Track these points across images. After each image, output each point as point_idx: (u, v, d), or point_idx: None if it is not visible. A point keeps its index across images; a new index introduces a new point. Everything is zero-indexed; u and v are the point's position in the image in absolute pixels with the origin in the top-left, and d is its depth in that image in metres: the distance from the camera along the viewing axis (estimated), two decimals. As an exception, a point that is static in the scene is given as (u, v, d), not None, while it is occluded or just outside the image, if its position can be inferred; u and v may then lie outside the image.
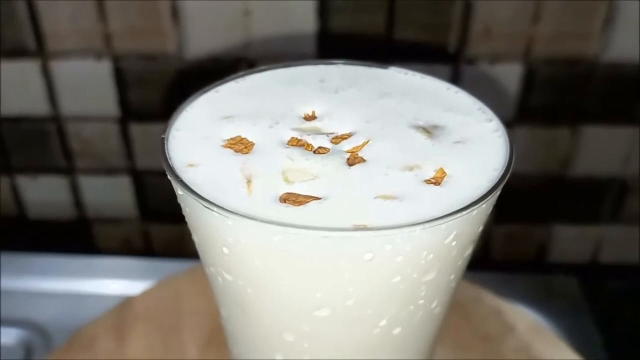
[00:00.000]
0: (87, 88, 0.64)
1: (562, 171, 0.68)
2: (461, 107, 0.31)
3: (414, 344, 0.30)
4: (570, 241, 0.72)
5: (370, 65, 0.34)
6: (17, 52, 0.62)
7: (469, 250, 0.28)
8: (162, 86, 0.64)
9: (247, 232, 0.25)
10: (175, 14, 0.60)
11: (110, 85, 0.63)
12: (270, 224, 0.24)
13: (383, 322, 0.28)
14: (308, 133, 0.29)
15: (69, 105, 0.64)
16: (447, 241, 0.25)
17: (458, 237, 0.26)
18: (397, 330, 0.28)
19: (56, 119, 0.64)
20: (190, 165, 0.27)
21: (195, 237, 0.28)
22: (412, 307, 0.27)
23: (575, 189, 0.69)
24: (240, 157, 0.28)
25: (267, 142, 0.29)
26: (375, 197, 0.25)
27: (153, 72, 0.62)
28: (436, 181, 0.27)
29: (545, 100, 0.64)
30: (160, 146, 0.28)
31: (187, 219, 0.28)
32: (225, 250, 0.26)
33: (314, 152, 0.28)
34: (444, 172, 0.27)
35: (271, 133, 0.29)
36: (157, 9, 0.60)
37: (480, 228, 0.27)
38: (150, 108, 0.64)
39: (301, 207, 0.25)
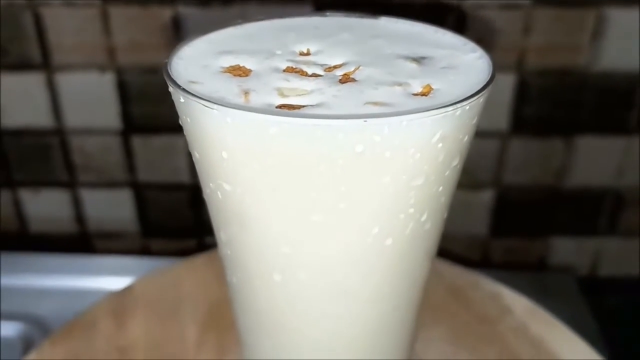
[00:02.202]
0: (90, 101, 0.66)
1: (558, 183, 0.69)
2: (448, 44, 0.33)
3: (407, 262, 0.32)
4: (568, 254, 0.73)
5: (362, 17, 0.36)
6: (23, 66, 0.64)
7: (455, 162, 0.30)
8: (164, 99, 0.66)
9: (244, 128, 0.26)
10: (177, 28, 0.62)
11: (113, 98, 0.66)
12: (266, 114, 0.26)
13: (375, 230, 0.29)
14: (303, 63, 0.31)
15: (72, 118, 0.67)
16: (433, 140, 0.27)
17: (444, 140, 0.28)
18: (389, 241, 0.30)
19: (59, 132, 0.67)
20: (192, 82, 0.29)
21: (196, 154, 0.30)
22: (402, 215, 0.29)
23: (571, 201, 0.71)
24: (239, 79, 0.30)
25: (264, 69, 0.31)
26: (366, 104, 0.27)
27: (155, 85, 0.65)
28: (423, 94, 0.29)
29: (539, 111, 0.67)
30: (163, 68, 0.30)
31: (188, 135, 0.30)
32: (224, 154, 0.28)
33: (309, 76, 0.30)
34: (431, 88, 0.29)
35: (268, 63, 0.31)
36: (160, 24, 0.63)
37: (466, 138, 0.29)
38: (152, 121, 0.67)
39: (296, 111, 0.27)
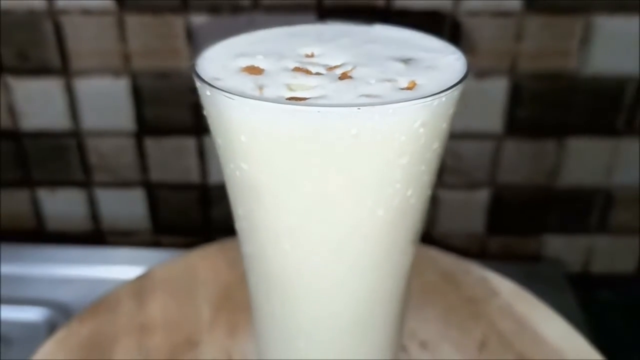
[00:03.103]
0: (106, 104, 0.74)
1: (550, 182, 0.77)
2: (433, 48, 0.41)
3: (396, 233, 0.40)
4: (561, 251, 0.80)
5: (359, 24, 0.45)
6: (42, 71, 0.72)
7: (435, 146, 0.37)
8: (176, 102, 0.74)
9: (260, 115, 0.34)
10: (189, 35, 0.70)
11: (127, 101, 0.73)
12: (277, 104, 0.34)
13: (369, 202, 0.37)
14: (309, 64, 0.40)
15: (88, 120, 0.74)
16: (415, 126, 0.35)
17: (424, 126, 0.35)
18: (380, 212, 0.38)
19: (76, 134, 0.74)
20: (215, 79, 0.37)
21: (219, 140, 0.38)
22: (390, 189, 0.37)
23: (564, 200, 0.78)
24: (254, 77, 0.38)
25: (275, 68, 0.39)
26: (360, 96, 0.36)
27: (167, 89, 0.73)
28: (409, 88, 0.37)
29: (532, 114, 0.74)
30: (192, 67, 0.38)
31: (212, 124, 0.38)
32: (242, 138, 0.36)
33: (313, 74, 0.39)
34: (415, 83, 0.37)
35: (279, 64, 0.39)
36: (173, 31, 0.71)
37: (444, 126, 0.37)
38: (164, 123, 0.74)
39: (302, 102, 0.35)
